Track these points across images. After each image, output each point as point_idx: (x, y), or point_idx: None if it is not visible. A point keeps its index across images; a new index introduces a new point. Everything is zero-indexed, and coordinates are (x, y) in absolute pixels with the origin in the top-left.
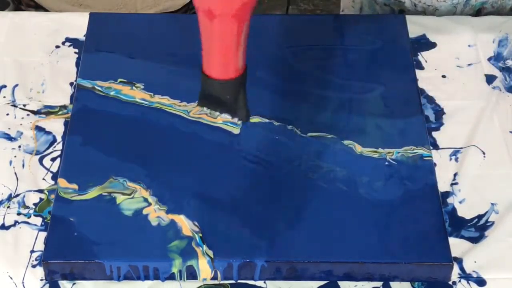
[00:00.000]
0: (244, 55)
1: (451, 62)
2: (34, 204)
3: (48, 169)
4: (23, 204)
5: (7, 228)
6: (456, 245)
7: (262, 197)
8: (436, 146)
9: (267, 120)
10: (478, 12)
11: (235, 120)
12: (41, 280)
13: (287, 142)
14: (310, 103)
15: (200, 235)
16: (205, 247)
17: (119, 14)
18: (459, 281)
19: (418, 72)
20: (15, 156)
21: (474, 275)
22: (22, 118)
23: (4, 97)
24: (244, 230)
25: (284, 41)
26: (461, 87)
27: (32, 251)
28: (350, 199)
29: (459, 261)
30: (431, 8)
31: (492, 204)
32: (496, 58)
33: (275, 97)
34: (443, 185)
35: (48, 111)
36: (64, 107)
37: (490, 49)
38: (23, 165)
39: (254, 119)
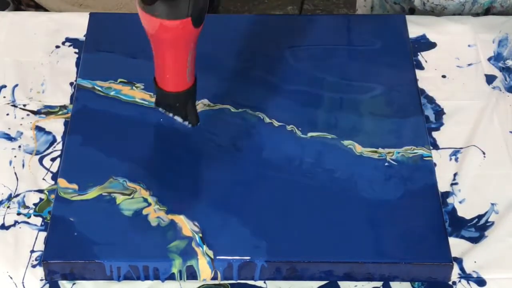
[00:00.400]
0: (192, 72)
1: (451, 62)
2: (34, 204)
3: (48, 169)
4: (23, 204)
5: (7, 228)
6: (456, 245)
7: (262, 197)
8: (436, 146)
9: (268, 121)
10: (487, 11)
11: (186, 123)
12: (41, 280)
13: (287, 142)
14: (310, 103)
15: (200, 235)
16: (205, 247)
17: (119, 14)
18: (459, 281)
19: (418, 72)
20: (15, 156)
21: (474, 275)
22: (22, 118)
23: (4, 97)
24: (244, 230)
25: (284, 41)
26: (461, 87)
27: (32, 251)
28: (350, 199)
29: (459, 261)
30: (439, 7)
31: (492, 204)
32: (496, 58)
33: (275, 98)
34: (443, 185)
35: (48, 111)
36: (64, 107)
37: (490, 49)
38: (23, 165)
39: (254, 120)
